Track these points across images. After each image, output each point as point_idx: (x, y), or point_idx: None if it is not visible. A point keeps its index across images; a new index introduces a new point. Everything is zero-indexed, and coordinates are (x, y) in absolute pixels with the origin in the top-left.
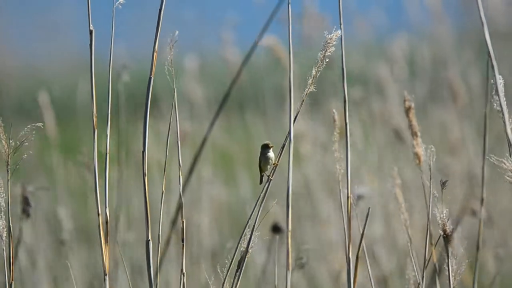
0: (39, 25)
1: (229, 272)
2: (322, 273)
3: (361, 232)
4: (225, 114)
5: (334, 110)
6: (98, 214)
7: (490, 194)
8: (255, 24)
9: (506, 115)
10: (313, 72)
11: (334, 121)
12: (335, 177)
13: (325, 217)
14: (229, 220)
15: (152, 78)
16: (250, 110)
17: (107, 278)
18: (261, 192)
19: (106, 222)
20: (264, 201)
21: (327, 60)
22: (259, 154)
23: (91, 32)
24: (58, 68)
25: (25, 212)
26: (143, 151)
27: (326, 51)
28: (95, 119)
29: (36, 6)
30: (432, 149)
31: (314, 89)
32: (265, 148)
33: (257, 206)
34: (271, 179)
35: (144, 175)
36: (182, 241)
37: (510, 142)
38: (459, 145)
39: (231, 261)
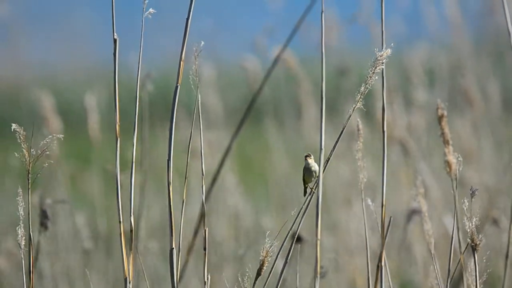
0: (55, 34)
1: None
2: (341, 283)
3: (382, 241)
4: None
5: (358, 119)
6: (120, 222)
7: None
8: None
9: None
10: (362, 88)
11: (358, 130)
12: (357, 187)
13: (344, 226)
14: (245, 229)
15: (179, 87)
16: (267, 120)
17: (130, 285)
18: (303, 204)
19: (131, 230)
20: (306, 211)
21: (376, 77)
22: (302, 166)
23: (115, 40)
24: (75, 77)
25: (43, 225)
26: (168, 160)
27: (376, 67)
28: (118, 128)
29: (52, 15)
30: (460, 158)
31: (361, 106)
32: (307, 159)
33: (299, 216)
34: (313, 192)
35: (169, 184)
36: (204, 249)
37: None
38: (476, 154)
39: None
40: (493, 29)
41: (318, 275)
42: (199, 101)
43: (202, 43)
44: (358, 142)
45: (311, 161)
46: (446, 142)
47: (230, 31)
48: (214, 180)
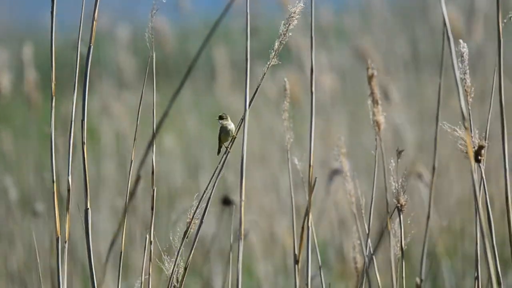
0: None
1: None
2: (263, 245)
3: (307, 203)
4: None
5: (285, 79)
6: (53, 182)
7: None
8: None
9: (460, 87)
10: (276, 45)
11: (285, 89)
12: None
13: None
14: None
15: (92, 47)
16: (178, 80)
17: (66, 245)
18: (219, 163)
19: (68, 190)
20: (221, 172)
21: (290, 34)
22: (219, 126)
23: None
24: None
25: None
26: (82, 120)
27: (289, 24)
28: (53, 86)
29: None
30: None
31: (276, 62)
32: (223, 119)
33: (213, 176)
34: (229, 151)
35: (83, 143)
36: (152, 209)
37: (463, 113)
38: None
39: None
40: None
41: (242, 237)
42: (154, 59)
43: None
44: (285, 101)
45: (226, 121)
46: (375, 102)
47: None
48: (151, 143)
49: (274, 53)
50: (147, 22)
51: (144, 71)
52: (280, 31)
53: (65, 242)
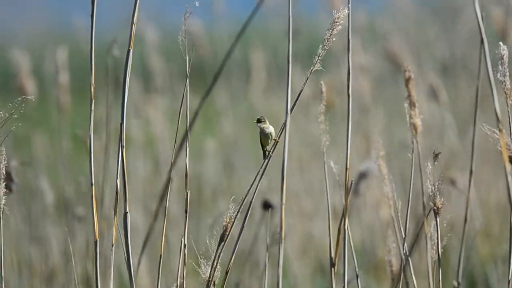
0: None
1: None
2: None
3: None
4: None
5: (322, 82)
6: (92, 185)
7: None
8: None
9: (495, 90)
10: (319, 50)
11: (322, 92)
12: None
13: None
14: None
15: (131, 51)
16: (217, 84)
17: (113, 248)
18: (261, 168)
19: (116, 193)
20: (263, 175)
21: (333, 39)
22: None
23: (93, 1)
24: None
25: (8, 187)
26: (121, 123)
27: (333, 29)
28: (93, 90)
29: None
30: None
31: (320, 67)
32: (260, 122)
33: (255, 181)
34: (271, 155)
35: (122, 147)
36: (186, 212)
37: (497, 115)
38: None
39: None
40: None
41: (283, 240)
42: (189, 64)
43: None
44: (321, 104)
45: (264, 124)
46: (412, 105)
47: None
48: (181, 145)
49: (317, 58)
50: (180, 25)
51: (179, 75)
52: (324, 36)
53: (112, 245)
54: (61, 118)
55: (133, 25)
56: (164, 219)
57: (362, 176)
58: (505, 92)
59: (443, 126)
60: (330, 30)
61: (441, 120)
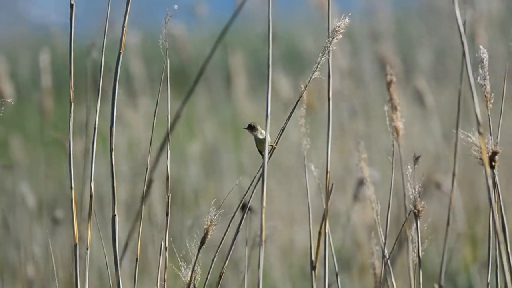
0: None
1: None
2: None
3: (325, 207)
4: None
5: (302, 85)
6: (71, 188)
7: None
8: None
9: (475, 93)
10: (319, 59)
11: (302, 96)
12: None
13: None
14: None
15: (121, 54)
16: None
17: (88, 252)
18: (258, 172)
19: (90, 196)
20: (260, 180)
21: (333, 47)
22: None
23: (72, 6)
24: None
25: None
26: (111, 126)
27: (333, 38)
28: (72, 93)
29: None
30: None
31: (319, 76)
32: (252, 129)
33: (252, 185)
34: (273, 150)
35: (111, 150)
36: (167, 214)
37: (477, 118)
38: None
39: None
40: None
41: (263, 243)
42: (168, 66)
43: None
44: (302, 108)
45: (256, 131)
46: (394, 108)
47: None
48: (162, 148)
49: (316, 66)
50: (161, 28)
51: (159, 78)
52: (324, 45)
53: (87, 249)
54: (44, 121)
55: (124, 29)
56: (140, 221)
57: (362, 182)
58: (485, 96)
59: (429, 129)
60: (331, 39)
61: (426, 123)
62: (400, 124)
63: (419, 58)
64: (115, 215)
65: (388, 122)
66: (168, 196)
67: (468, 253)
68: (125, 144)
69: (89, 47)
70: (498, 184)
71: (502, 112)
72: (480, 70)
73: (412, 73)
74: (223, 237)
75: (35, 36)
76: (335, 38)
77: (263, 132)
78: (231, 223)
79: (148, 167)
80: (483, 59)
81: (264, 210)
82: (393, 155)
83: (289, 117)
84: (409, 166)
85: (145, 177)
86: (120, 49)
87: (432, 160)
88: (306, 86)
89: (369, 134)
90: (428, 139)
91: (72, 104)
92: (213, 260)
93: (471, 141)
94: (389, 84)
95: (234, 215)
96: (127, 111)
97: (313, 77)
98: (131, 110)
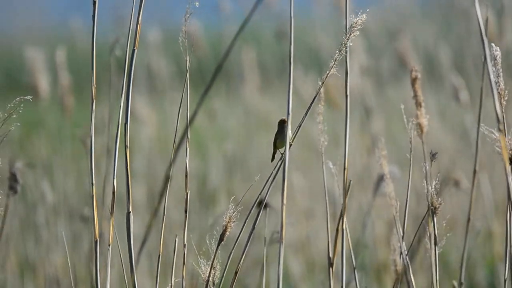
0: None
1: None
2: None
3: (342, 204)
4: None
5: (319, 82)
6: (92, 185)
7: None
8: None
9: (495, 88)
10: (336, 55)
11: (320, 93)
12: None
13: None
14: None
15: (136, 51)
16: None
17: (110, 248)
18: (274, 169)
19: (113, 193)
20: (276, 177)
21: (350, 43)
22: (275, 131)
23: (94, 2)
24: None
25: (13, 188)
26: (125, 123)
27: (351, 34)
28: (94, 90)
29: None
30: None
31: (336, 72)
32: (282, 124)
33: (268, 182)
34: (285, 157)
35: (126, 147)
36: (185, 212)
37: (498, 116)
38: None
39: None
40: None
41: (283, 241)
42: (188, 66)
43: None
44: (320, 105)
45: (287, 128)
46: (418, 105)
47: None
48: (179, 144)
49: (333, 62)
50: (181, 26)
51: (178, 76)
52: (342, 41)
53: (109, 245)
54: (65, 118)
55: (138, 25)
56: (163, 219)
57: (382, 179)
58: (499, 93)
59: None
60: (348, 35)
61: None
62: (424, 121)
63: (439, 55)
64: (130, 212)
65: (405, 119)
66: (187, 193)
67: (488, 250)
68: (147, 141)
69: (113, 44)
70: None
71: None
72: (493, 68)
73: (433, 70)
74: (239, 234)
75: (56, 33)
76: (353, 34)
77: (289, 130)
78: (248, 220)
79: (171, 164)
80: (496, 56)
81: (284, 207)
82: (411, 152)
83: (306, 113)
84: (426, 163)
85: (168, 173)
86: (134, 46)
87: (452, 157)
88: (323, 83)
89: (392, 131)
90: (449, 136)
91: (94, 101)
92: (229, 257)
93: (495, 137)
94: (413, 80)
95: (250, 212)
96: (146, 109)
97: (330, 73)
98: (152, 107)
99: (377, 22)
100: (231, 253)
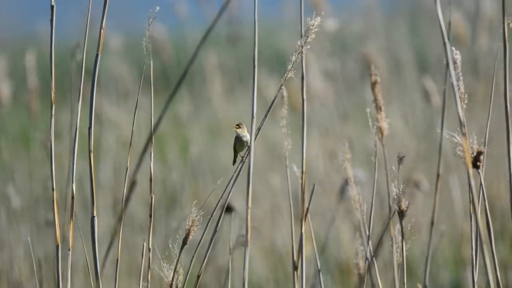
0: None
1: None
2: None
3: (306, 207)
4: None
5: (283, 86)
6: (53, 189)
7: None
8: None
9: (457, 92)
10: (293, 58)
11: (283, 97)
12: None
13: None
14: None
15: (99, 55)
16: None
17: (70, 252)
18: (234, 172)
19: (72, 197)
20: (236, 180)
21: (308, 46)
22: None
23: (52, 7)
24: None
25: None
26: (90, 128)
27: (308, 37)
28: (53, 94)
29: None
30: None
31: (293, 75)
32: (240, 128)
33: (229, 185)
34: (244, 161)
35: (90, 151)
36: (150, 216)
37: (460, 118)
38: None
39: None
40: None
41: (248, 244)
42: (151, 66)
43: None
44: (283, 109)
45: (243, 132)
46: (378, 108)
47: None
48: (145, 149)
49: (291, 65)
50: (144, 31)
51: (139, 80)
52: (298, 44)
53: (69, 250)
54: (31, 122)
55: (102, 30)
56: (121, 223)
57: (347, 183)
58: (459, 97)
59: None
60: (305, 38)
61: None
62: (384, 125)
63: (405, 58)
64: (94, 216)
65: (370, 123)
66: (152, 198)
67: (450, 253)
68: (113, 145)
69: (73, 49)
70: (483, 183)
71: (490, 112)
72: (453, 71)
73: (400, 73)
74: (201, 237)
75: (23, 38)
76: (309, 37)
77: (247, 134)
78: (212, 223)
79: (129, 169)
80: (456, 59)
81: (249, 210)
82: (375, 155)
83: (265, 116)
84: (393, 167)
85: (125, 179)
86: (97, 50)
87: (414, 159)
88: (281, 86)
89: (357, 135)
90: (411, 138)
91: (54, 105)
92: (191, 260)
93: (456, 141)
94: (373, 84)
95: (212, 215)
96: (112, 113)
97: (287, 76)
98: (116, 111)
99: (346, 25)
100: (193, 256)
